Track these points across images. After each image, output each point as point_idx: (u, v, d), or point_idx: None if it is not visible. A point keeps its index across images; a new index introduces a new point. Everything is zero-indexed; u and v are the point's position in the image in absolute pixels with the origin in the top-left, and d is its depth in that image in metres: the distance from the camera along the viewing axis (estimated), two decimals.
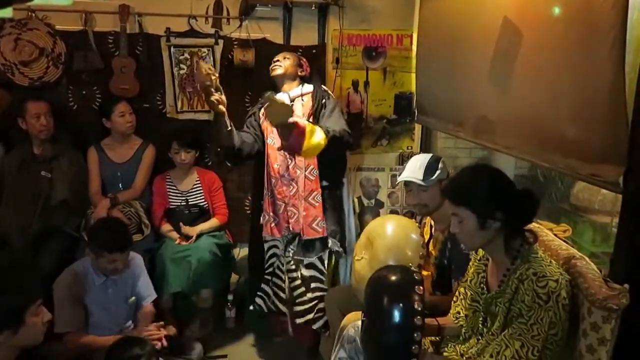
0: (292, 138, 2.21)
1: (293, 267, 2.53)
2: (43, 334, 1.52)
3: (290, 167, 2.48)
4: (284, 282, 2.59)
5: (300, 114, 2.44)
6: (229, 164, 2.76)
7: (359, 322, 1.75)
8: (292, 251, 2.53)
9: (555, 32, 1.62)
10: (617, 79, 1.32)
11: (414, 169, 2.07)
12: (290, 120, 2.20)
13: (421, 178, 2.03)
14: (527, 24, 1.76)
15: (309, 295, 2.50)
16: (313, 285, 2.50)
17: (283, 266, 2.58)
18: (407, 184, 2.10)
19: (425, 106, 2.92)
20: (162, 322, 2.27)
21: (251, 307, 2.75)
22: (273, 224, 2.56)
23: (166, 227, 2.92)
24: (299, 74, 2.59)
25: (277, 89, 2.59)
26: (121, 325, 2.30)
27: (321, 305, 2.49)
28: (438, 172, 2.04)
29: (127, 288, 2.32)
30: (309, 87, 2.57)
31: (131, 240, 2.34)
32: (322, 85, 2.66)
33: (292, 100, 2.52)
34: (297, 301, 2.53)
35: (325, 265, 2.52)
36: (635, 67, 1.31)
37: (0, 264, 1.56)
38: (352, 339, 1.85)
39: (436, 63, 2.67)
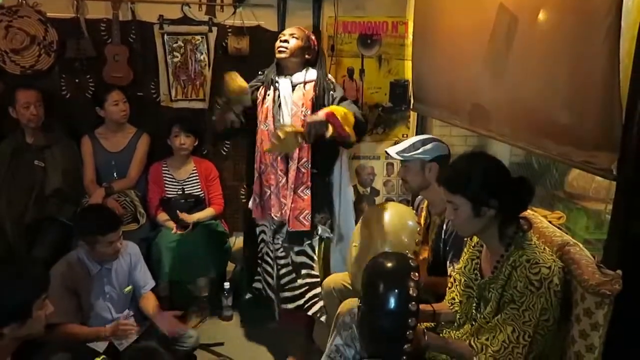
0: (337, 128, 2.15)
1: (283, 254, 2.52)
2: (44, 326, 1.53)
3: (280, 157, 2.43)
4: (272, 268, 2.59)
5: (299, 103, 2.39)
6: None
7: (355, 309, 1.76)
8: (281, 238, 2.51)
9: (550, 19, 1.61)
10: (612, 66, 1.32)
11: (402, 144, 2.13)
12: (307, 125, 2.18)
13: (396, 151, 2.09)
14: (523, 11, 1.75)
15: (299, 281, 2.49)
16: (303, 271, 2.49)
17: (271, 253, 2.58)
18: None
19: (421, 94, 2.92)
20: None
21: (247, 296, 2.76)
22: (259, 207, 2.55)
23: (162, 217, 2.92)
24: (306, 57, 2.46)
25: (279, 70, 2.48)
26: (119, 315, 2.30)
27: (314, 292, 2.49)
28: (417, 151, 2.05)
29: (123, 277, 2.32)
30: (313, 74, 2.44)
31: (119, 217, 2.37)
32: (329, 75, 2.54)
33: (293, 87, 2.43)
34: (286, 287, 2.53)
35: (315, 251, 2.51)
36: (630, 54, 1.31)
37: (12, 258, 1.57)
38: (349, 326, 1.87)
39: (432, 51, 2.66)
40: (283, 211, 2.45)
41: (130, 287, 2.35)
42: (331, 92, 2.42)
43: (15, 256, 1.63)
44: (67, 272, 2.17)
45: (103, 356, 2.05)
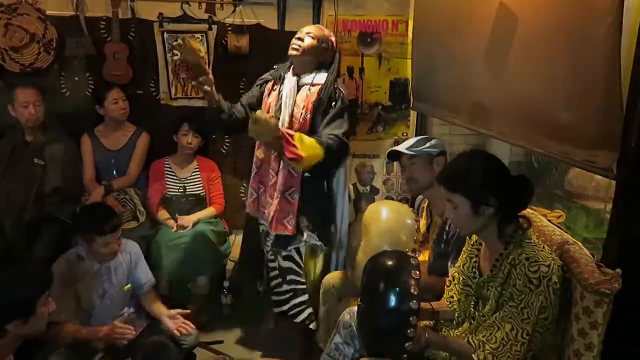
0: (287, 150, 2.14)
1: (272, 257, 2.48)
2: (46, 324, 1.53)
3: (273, 156, 2.38)
4: (263, 271, 2.59)
5: (301, 105, 2.32)
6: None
7: (355, 308, 1.77)
8: (270, 241, 2.47)
9: (551, 18, 1.61)
10: (612, 64, 1.32)
11: (407, 143, 2.10)
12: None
13: (407, 147, 2.05)
14: (523, 10, 1.75)
15: (285, 287, 2.43)
16: (289, 277, 2.42)
17: (265, 255, 2.56)
18: (396, 158, 2.10)
19: (421, 93, 2.92)
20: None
21: (260, 288, 2.74)
22: (255, 202, 2.51)
23: (163, 215, 2.91)
24: (320, 58, 2.36)
25: (290, 68, 2.42)
26: (118, 313, 2.30)
27: (299, 299, 2.42)
28: (426, 145, 2.04)
29: (122, 275, 2.32)
30: (321, 78, 2.33)
31: (119, 218, 2.35)
32: (338, 81, 2.37)
33: (300, 88, 2.36)
34: (274, 291, 2.49)
35: (302, 257, 2.43)
36: (630, 52, 1.31)
37: (12, 256, 1.58)
38: (348, 325, 1.87)
39: (432, 49, 2.66)
40: (269, 211, 2.40)
41: (129, 285, 2.34)
42: (333, 102, 2.29)
43: (16, 254, 1.63)
44: (66, 270, 2.16)
45: (102, 354, 2.05)
